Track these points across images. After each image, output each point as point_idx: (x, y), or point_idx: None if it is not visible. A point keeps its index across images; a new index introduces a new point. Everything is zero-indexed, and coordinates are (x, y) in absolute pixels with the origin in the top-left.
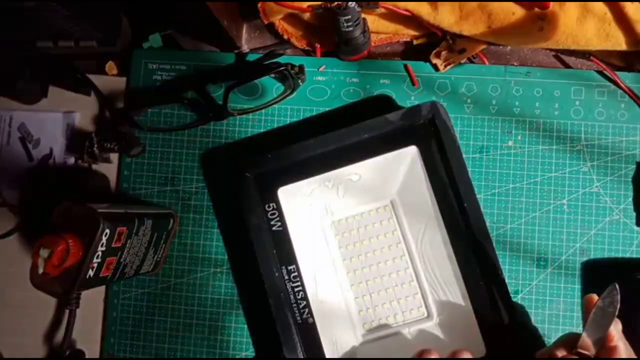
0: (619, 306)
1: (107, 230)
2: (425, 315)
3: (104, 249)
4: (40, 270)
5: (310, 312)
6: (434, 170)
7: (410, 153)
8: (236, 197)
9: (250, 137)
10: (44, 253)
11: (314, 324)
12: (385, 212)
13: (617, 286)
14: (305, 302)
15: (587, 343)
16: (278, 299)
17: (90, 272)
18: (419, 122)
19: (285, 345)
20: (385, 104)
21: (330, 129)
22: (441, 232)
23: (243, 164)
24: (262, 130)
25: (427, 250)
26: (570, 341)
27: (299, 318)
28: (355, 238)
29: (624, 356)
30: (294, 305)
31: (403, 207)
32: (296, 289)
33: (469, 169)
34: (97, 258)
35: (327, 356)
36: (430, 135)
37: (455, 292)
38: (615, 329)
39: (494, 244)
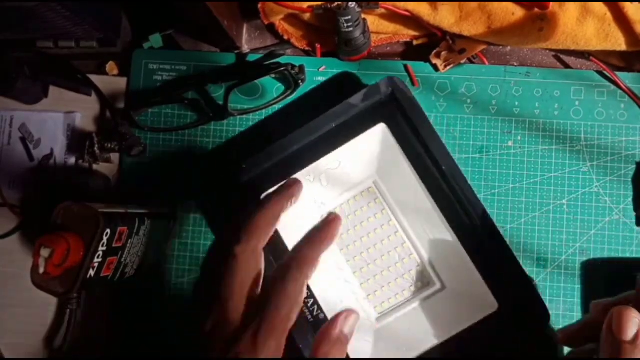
0: None
1: (108, 230)
2: (432, 281)
3: (104, 248)
4: (41, 270)
5: (320, 308)
6: (407, 141)
7: (380, 131)
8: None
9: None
10: (45, 253)
11: (325, 319)
12: (370, 194)
13: None
14: (312, 299)
15: None
16: None
17: (91, 272)
18: (381, 100)
19: (302, 345)
20: (347, 81)
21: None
22: (428, 199)
23: (226, 176)
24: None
25: (419, 221)
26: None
27: (309, 316)
28: (348, 226)
29: None
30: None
31: (386, 184)
32: None
33: (469, 169)
34: (98, 258)
35: (347, 348)
36: (394, 109)
37: (456, 255)
38: None
39: (480, 198)
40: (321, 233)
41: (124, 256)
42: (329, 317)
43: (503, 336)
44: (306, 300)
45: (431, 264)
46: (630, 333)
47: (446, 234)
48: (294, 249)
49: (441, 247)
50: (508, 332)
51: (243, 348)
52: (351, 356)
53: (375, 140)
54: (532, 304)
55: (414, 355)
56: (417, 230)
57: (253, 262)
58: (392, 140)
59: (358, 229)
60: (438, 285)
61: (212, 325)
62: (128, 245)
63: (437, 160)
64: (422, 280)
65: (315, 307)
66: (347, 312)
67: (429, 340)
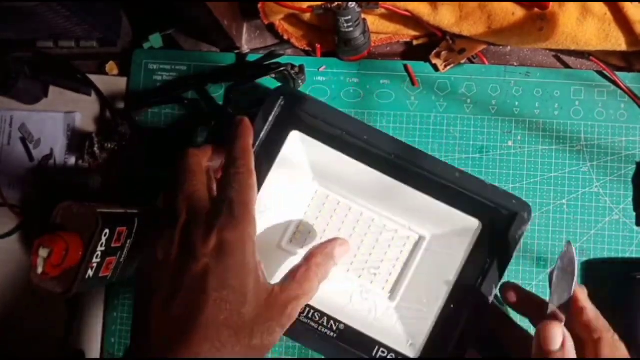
0: (577, 263)
1: (107, 230)
2: (418, 238)
3: (103, 248)
4: (40, 270)
5: (337, 320)
6: (322, 132)
7: (295, 138)
8: None
9: None
10: (44, 253)
11: (347, 326)
12: (320, 196)
13: (571, 243)
14: (325, 317)
15: (555, 310)
16: (307, 339)
17: (90, 272)
18: (279, 113)
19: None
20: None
21: None
22: (369, 170)
23: None
24: None
25: (373, 192)
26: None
27: (331, 333)
28: (320, 235)
29: (591, 316)
30: (320, 328)
31: (328, 180)
32: (310, 316)
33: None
34: (96, 258)
35: (382, 338)
36: (295, 112)
37: (421, 203)
38: (581, 292)
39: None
40: (238, 130)
41: (123, 256)
42: (349, 323)
43: (502, 242)
44: (320, 323)
45: (410, 223)
46: (557, 343)
47: (401, 189)
48: (227, 153)
49: (404, 203)
50: (503, 238)
51: (225, 220)
52: (390, 338)
53: (297, 147)
54: (509, 202)
55: (439, 304)
56: (377, 202)
57: (203, 156)
58: (309, 139)
59: (327, 233)
60: (422, 238)
61: (186, 217)
62: (127, 245)
63: (354, 133)
64: (408, 239)
65: (332, 322)
66: (342, 240)
67: (444, 286)
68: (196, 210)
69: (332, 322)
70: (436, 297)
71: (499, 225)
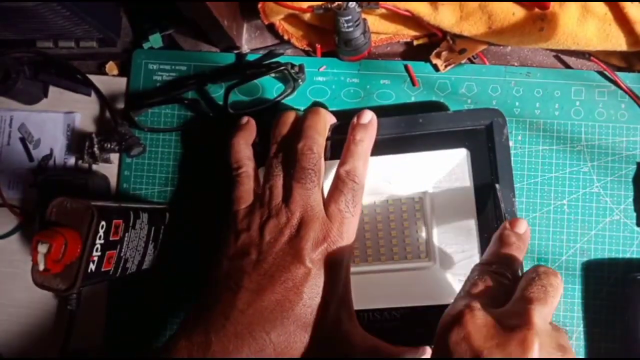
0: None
1: (103, 222)
2: (422, 194)
3: (102, 241)
4: (41, 267)
5: (396, 309)
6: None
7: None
8: None
9: None
10: (43, 248)
11: (410, 307)
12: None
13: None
14: (385, 312)
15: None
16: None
17: (92, 266)
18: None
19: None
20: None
21: None
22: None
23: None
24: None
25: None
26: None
27: (397, 322)
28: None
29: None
30: (385, 324)
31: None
32: (372, 318)
33: None
34: (97, 251)
35: (447, 299)
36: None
37: (412, 163)
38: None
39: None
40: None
41: (123, 250)
42: (410, 304)
43: (494, 154)
44: (382, 317)
45: (403, 189)
46: None
47: (381, 161)
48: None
49: (391, 171)
50: (493, 149)
51: (336, 236)
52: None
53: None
54: (477, 117)
55: (476, 237)
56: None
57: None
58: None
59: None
60: (425, 192)
61: (299, 220)
62: (126, 238)
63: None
64: (415, 204)
65: (393, 312)
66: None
67: (470, 219)
68: (312, 217)
69: (393, 312)
70: (469, 233)
71: (482, 140)
